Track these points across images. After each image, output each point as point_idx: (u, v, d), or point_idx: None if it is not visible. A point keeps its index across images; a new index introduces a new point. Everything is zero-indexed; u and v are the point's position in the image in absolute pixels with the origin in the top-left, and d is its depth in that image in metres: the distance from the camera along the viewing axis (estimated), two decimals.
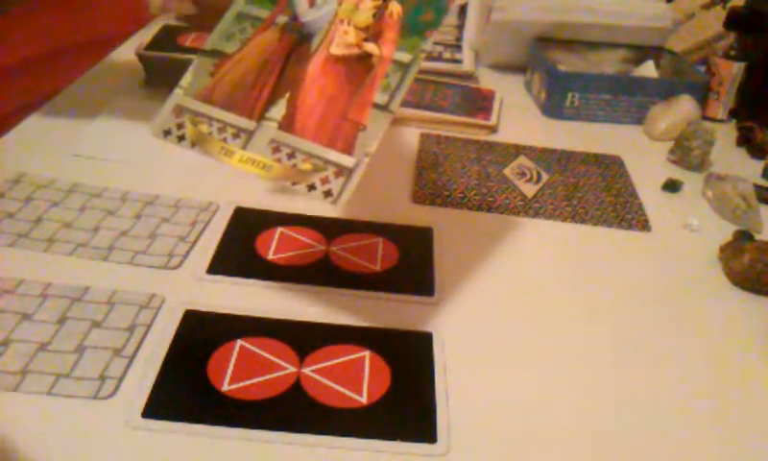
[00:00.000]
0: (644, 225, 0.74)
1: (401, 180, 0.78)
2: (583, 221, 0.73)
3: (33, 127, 0.81)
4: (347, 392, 0.48)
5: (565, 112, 0.99)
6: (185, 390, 0.47)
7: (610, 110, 0.99)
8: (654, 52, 1.09)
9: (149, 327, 0.52)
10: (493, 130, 0.92)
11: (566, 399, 0.50)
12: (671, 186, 0.81)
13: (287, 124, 0.48)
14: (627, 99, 0.99)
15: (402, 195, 0.75)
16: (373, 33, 0.49)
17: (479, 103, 0.97)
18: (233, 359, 0.49)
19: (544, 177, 0.81)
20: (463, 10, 1.18)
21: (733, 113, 1.01)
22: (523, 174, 0.82)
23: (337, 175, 0.45)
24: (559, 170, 0.83)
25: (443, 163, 0.82)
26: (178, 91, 0.51)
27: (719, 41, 1.10)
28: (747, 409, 0.51)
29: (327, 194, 0.45)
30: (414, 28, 0.49)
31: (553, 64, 1.02)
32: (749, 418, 0.51)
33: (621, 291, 0.63)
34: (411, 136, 0.89)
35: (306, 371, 0.49)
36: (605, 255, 0.68)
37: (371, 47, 0.49)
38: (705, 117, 0.98)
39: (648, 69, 1.06)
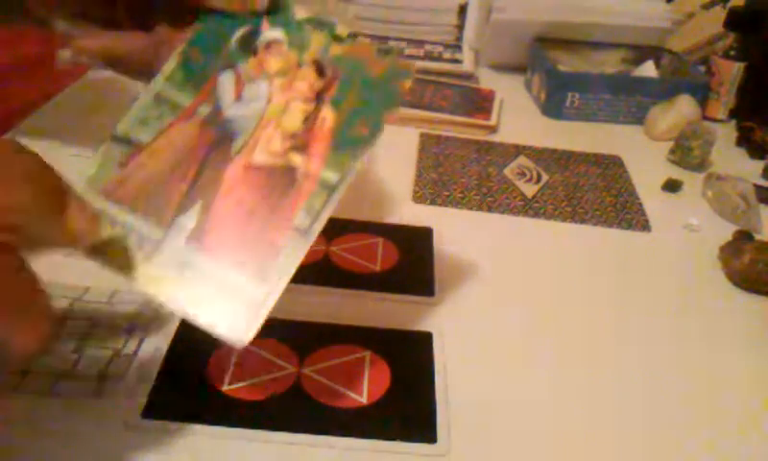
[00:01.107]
0: (644, 225, 0.74)
1: (401, 180, 0.78)
2: (583, 221, 0.73)
3: (33, 127, 0.81)
4: (347, 392, 0.48)
5: (565, 112, 0.99)
6: (185, 390, 0.47)
7: (610, 110, 0.99)
8: (654, 52, 1.09)
9: (149, 326, 0.52)
10: (493, 130, 0.92)
11: (567, 398, 0.50)
12: (671, 186, 0.81)
13: (197, 234, 0.41)
14: (627, 99, 0.99)
15: (402, 195, 0.75)
16: (301, 142, 0.43)
17: (479, 103, 0.97)
18: (233, 359, 0.49)
19: (544, 177, 0.81)
20: (463, 10, 1.18)
21: (733, 113, 1.01)
22: (523, 174, 0.82)
23: (246, 305, 0.39)
24: (559, 170, 0.83)
25: (443, 163, 0.82)
26: (79, 182, 0.41)
27: (719, 41, 1.10)
28: (747, 409, 0.51)
29: (232, 328, 0.39)
30: (345, 142, 0.43)
31: (553, 64, 1.02)
32: (749, 418, 0.51)
33: (621, 291, 0.63)
34: (411, 136, 0.89)
35: (306, 371, 0.49)
36: (605, 255, 0.68)
37: (296, 159, 0.42)
38: (705, 117, 0.98)
39: (648, 69, 1.06)
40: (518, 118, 0.98)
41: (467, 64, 1.09)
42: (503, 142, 0.89)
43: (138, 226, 0.41)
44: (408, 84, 0.44)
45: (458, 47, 1.15)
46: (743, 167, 0.87)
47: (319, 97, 0.44)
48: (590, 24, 1.06)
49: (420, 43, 1.15)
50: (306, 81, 0.45)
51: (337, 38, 0.46)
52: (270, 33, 0.46)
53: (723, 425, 0.50)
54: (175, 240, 0.40)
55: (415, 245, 0.66)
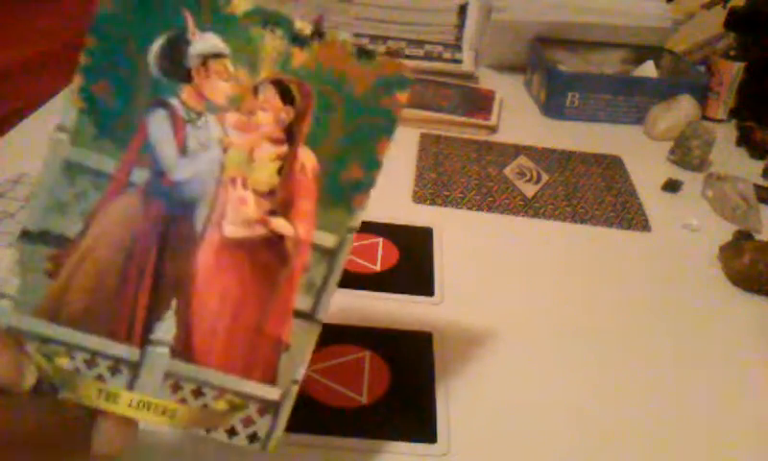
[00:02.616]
0: (644, 225, 0.74)
1: (401, 180, 0.78)
2: (583, 221, 0.73)
3: (33, 127, 0.81)
4: (347, 392, 0.48)
5: (565, 112, 0.99)
6: None
7: (610, 110, 0.99)
8: (654, 52, 1.09)
9: None
10: (493, 130, 0.92)
11: (566, 398, 0.50)
12: (671, 186, 0.81)
13: (183, 348, 0.33)
14: (627, 99, 0.99)
15: (402, 195, 0.75)
16: (281, 200, 0.33)
17: (479, 103, 0.97)
18: None
19: (544, 177, 0.81)
20: (463, 10, 1.18)
21: (733, 113, 1.01)
22: (523, 174, 0.82)
23: (261, 412, 0.34)
24: (559, 170, 0.83)
25: (443, 163, 0.82)
26: (2, 303, 0.32)
27: (719, 41, 1.10)
28: (747, 409, 0.51)
29: (253, 438, 0.34)
30: (337, 192, 0.33)
31: (553, 64, 1.02)
32: (749, 418, 0.50)
33: (621, 291, 0.63)
34: (411, 136, 0.89)
35: (306, 371, 0.49)
36: (605, 255, 0.68)
37: (280, 225, 0.33)
38: (705, 117, 0.98)
39: (648, 69, 1.07)
40: (518, 118, 0.98)
41: (467, 64, 1.09)
42: (503, 142, 0.89)
43: (105, 347, 0.32)
44: (406, 95, 0.33)
45: (458, 47, 1.15)
46: (743, 167, 0.87)
47: (290, 133, 0.33)
48: (590, 24, 1.06)
49: (419, 43, 1.15)
50: (270, 112, 0.33)
51: (298, 40, 0.33)
52: (205, 41, 0.32)
53: (723, 425, 0.50)
54: (156, 358, 0.33)
55: (415, 245, 0.66)
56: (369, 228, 0.67)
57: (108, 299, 0.32)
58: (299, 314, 0.34)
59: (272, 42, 0.33)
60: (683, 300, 0.63)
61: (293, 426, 0.44)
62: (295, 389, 0.34)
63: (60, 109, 0.32)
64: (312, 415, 0.46)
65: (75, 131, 0.32)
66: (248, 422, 0.34)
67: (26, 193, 0.67)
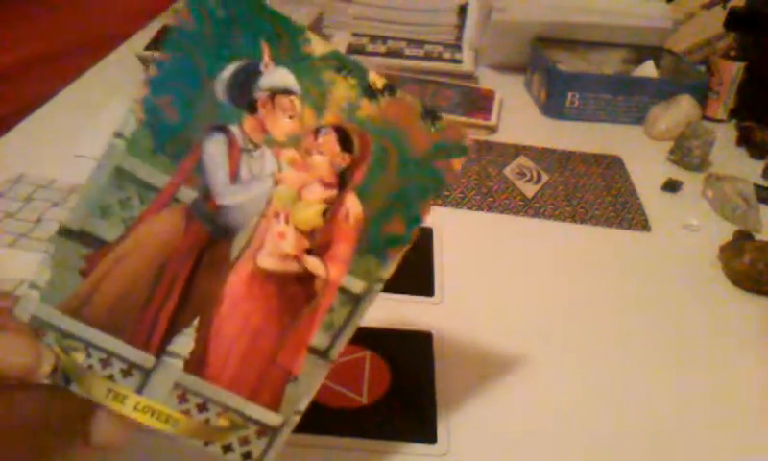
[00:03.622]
0: (644, 225, 0.74)
1: None
2: (583, 221, 0.73)
3: (33, 127, 0.81)
4: (347, 392, 0.48)
5: (565, 112, 0.99)
6: None
7: (610, 110, 0.99)
8: (654, 52, 1.09)
9: None
10: (493, 130, 0.92)
11: (566, 398, 0.50)
12: (671, 186, 0.81)
13: (196, 364, 0.34)
14: (627, 99, 0.99)
15: None
16: (320, 241, 0.34)
17: (479, 103, 0.97)
18: None
19: (544, 177, 0.81)
20: (463, 10, 1.18)
21: (733, 113, 1.01)
22: (523, 174, 0.82)
23: (259, 434, 0.35)
24: (559, 170, 0.83)
25: None
26: (31, 293, 0.32)
27: (719, 41, 1.10)
28: (747, 409, 0.51)
29: (246, 457, 0.35)
30: (374, 244, 0.34)
31: (553, 64, 1.02)
32: (749, 418, 0.51)
33: (621, 291, 0.63)
34: None
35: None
36: (605, 255, 0.68)
37: (314, 265, 0.34)
38: (705, 117, 0.98)
39: (648, 69, 1.07)
40: (518, 118, 0.98)
41: (467, 64, 1.09)
42: (503, 142, 0.89)
43: (122, 350, 0.33)
44: (460, 163, 0.34)
45: (458, 47, 1.15)
46: (743, 167, 0.87)
47: (342, 180, 0.34)
48: (590, 24, 1.06)
49: (419, 43, 1.15)
50: (327, 156, 0.33)
51: (369, 92, 0.33)
52: (277, 75, 0.33)
53: (723, 424, 0.50)
54: (169, 369, 0.33)
55: (415, 245, 0.65)
56: None
57: (134, 307, 0.33)
58: (313, 350, 0.34)
59: (343, 89, 0.33)
60: (683, 300, 0.63)
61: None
62: (295, 419, 0.35)
63: (121, 116, 0.32)
64: (312, 415, 0.46)
65: (132, 140, 0.32)
66: (244, 441, 0.34)
67: (26, 193, 0.67)
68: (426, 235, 0.67)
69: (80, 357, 0.33)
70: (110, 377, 0.33)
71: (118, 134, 0.32)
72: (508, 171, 0.82)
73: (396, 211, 0.34)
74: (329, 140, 0.33)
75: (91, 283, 0.33)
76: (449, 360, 0.52)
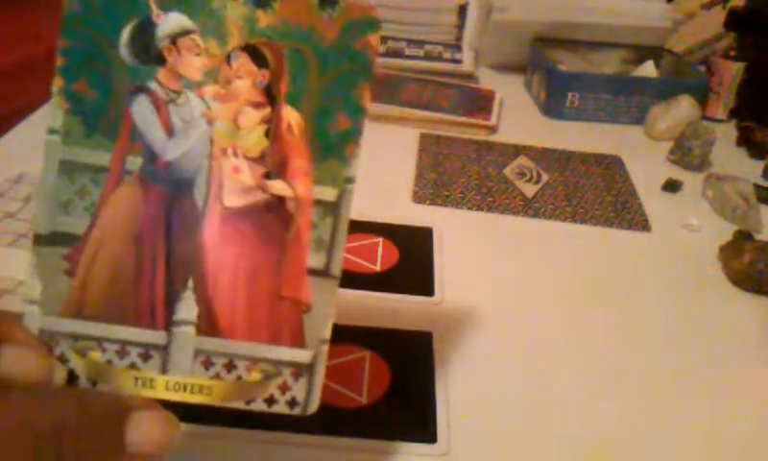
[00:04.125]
0: (644, 225, 0.74)
1: (401, 180, 0.78)
2: (583, 221, 0.73)
3: (33, 127, 0.81)
4: (347, 392, 0.48)
5: (565, 112, 0.99)
6: None
7: (610, 110, 0.99)
8: (654, 52, 1.09)
9: None
10: (493, 130, 0.92)
11: (566, 398, 0.50)
12: (671, 186, 0.81)
13: (207, 324, 0.33)
14: (627, 99, 0.99)
15: (402, 195, 0.75)
16: (274, 162, 0.34)
17: (479, 103, 0.97)
18: None
19: (544, 177, 0.81)
20: (463, 10, 1.18)
21: (733, 113, 1.01)
22: (523, 174, 0.82)
23: (296, 376, 0.34)
24: (559, 170, 0.83)
25: (443, 163, 0.82)
26: (31, 310, 0.33)
27: (719, 41, 1.10)
28: (747, 409, 0.51)
29: (293, 403, 0.35)
30: (327, 145, 0.34)
31: (553, 64, 1.02)
32: (748, 418, 0.51)
33: (621, 291, 0.63)
34: (411, 136, 0.89)
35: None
36: (605, 255, 0.68)
37: (279, 187, 0.34)
38: (705, 117, 0.99)
39: (648, 69, 1.07)
40: (518, 118, 0.98)
41: (467, 64, 1.09)
42: (503, 142, 0.89)
43: (133, 336, 0.33)
44: (376, 37, 0.33)
45: (458, 47, 1.15)
46: (743, 167, 0.87)
47: (270, 95, 0.34)
48: (590, 24, 1.06)
49: (419, 43, 1.15)
50: (246, 78, 0.34)
51: (260, 2, 0.33)
52: (171, 21, 0.33)
53: (723, 424, 0.50)
54: (183, 338, 0.33)
55: (415, 245, 0.66)
56: (369, 228, 0.67)
57: (127, 288, 0.33)
58: (314, 272, 0.34)
59: (234, 9, 0.33)
60: (682, 300, 0.63)
61: (293, 426, 0.45)
62: (325, 348, 0.34)
63: (49, 113, 0.33)
64: (312, 415, 0.46)
65: (65, 131, 0.33)
66: (284, 388, 0.34)
67: (26, 193, 0.67)
68: (426, 235, 0.67)
69: (96, 355, 0.33)
70: (133, 366, 0.33)
71: (51, 131, 0.33)
72: (508, 171, 0.82)
73: (335, 107, 0.34)
74: (243, 62, 0.34)
75: (80, 280, 0.33)
76: (449, 360, 0.52)
